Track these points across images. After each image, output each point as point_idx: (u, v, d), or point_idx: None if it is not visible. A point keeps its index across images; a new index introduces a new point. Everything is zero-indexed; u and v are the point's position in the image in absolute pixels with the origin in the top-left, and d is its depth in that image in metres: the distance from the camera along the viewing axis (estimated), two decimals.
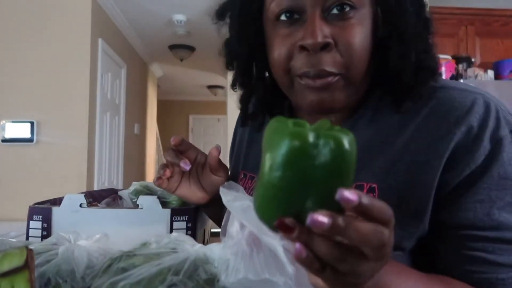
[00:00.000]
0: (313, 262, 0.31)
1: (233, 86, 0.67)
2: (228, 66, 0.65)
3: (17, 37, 2.92)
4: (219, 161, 0.69)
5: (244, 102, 0.68)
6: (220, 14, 0.63)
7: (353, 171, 0.32)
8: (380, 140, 0.56)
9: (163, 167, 0.65)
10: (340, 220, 0.29)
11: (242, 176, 0.73)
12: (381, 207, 0.31)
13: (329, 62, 0.51)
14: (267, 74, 0.65)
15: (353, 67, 0.52)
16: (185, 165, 0.64)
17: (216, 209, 0.73)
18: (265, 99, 0.66)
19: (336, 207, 0.30)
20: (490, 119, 0.49)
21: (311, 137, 0.31)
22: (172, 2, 3.50)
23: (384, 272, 0.37)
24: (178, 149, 0.66)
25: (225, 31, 0.64)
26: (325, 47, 0.51)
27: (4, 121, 2.85)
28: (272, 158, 0.31)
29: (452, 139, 0.49)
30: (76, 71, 2.96)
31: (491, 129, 0.49)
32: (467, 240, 0.49)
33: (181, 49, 4.63)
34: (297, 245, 0.31)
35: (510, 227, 0.48)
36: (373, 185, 0.53)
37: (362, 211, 0.30)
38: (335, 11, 0.51)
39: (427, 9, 0.55)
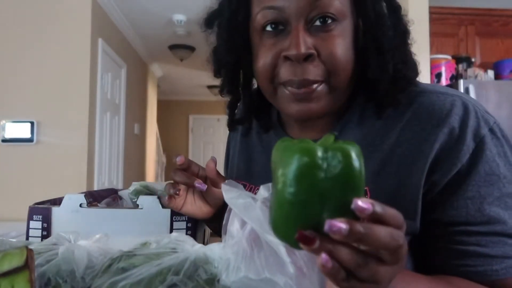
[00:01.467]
0: (339, 271, 0.32)
1: (221, 92, 0.69)
2: (216, 73, 0.67)
3: (17, 37, 2.92)
4: (218, 172, 0.69)
5: (231, 108, 0.70)
6: (208, 22, 0.65)
7: (363, 180, 0.33)
8: (368, 144, 0.58)
9: (173, 186, 0.65)
10: (358, 225, 0.30)
11: None
12: (394, 213, 0.32)
13: (313, 71, 0.54)
14: (254, 82, 0.67)
15: (335, 75, 0.54)
16: (201, 186, 0.65)
17: (221, 223, 0.73)
18: (251, 105, 0.68)
19: (351, 217, 0.31)
20: (470, 119, 0.52)
21: (319, 151, 0.32)
22: (172, 2, 3.50)
23: (395, 282, 0.39)
24: (181, 168, 0.66)
25: (213, 39, 0.66)
26: (308, 57, 0.53)
27: (4, 121, 2.85)
28: (284, 175, 0.32)
29: (435, 140, 0.52)
30: (76, 71, 2.96)
31: (473, 128, 0.52)
32: (461, 235, 0.52)
33: (181, 49, 4.63)
34: (323, 255, 0.31)
35: (500, 220, 0.50)
36: (365, 188, 0.55)
37: (376, 219, 0.31)
38: (317, 23, 0.54)
39: (405, 21, 0.58)
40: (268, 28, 0.56)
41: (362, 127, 0.60)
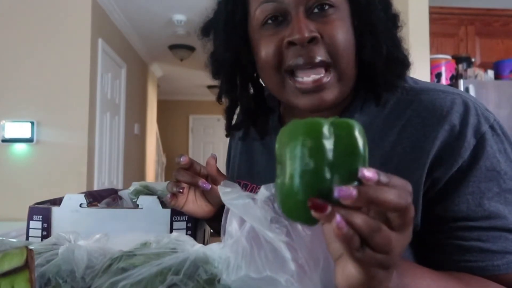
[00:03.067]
0: (353, 238, 0.32)
1: (219, 98, 0.69)
2: (214, 75, 0.68)
3: (17, 37, 2.92)
4: (218, 170, 0.69)
5: (228, 112, 0.70)
6: (205, 30, 0.67)
7: (367, 150, 0.35)
8: (368, 141, 0.57)
9: (176, 185, 0.65)
10: (365, 188, 0.32)
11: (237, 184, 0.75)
12: (400, 180, 0.34)
13: (318, 52, 0.55)
14: (251, 87, 0.68)
15: (340, 57, 0.55)
16: (205, 185, 0.65)
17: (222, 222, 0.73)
18: (249, 109, 0.69)
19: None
20: (470, 116, 0.53)
21: (326, 125, 0.34)
22: (172, 2, 3.50)
23: (403, 273, 0.40)
24: (184, 167, 0.66)
25: (209, 47, 0.67)
26: (312, 40, 0.54)
27: (4, 121, 2.85)
28: (294, 148, 0.34)
29: (436, 137, 0.53)
30: (76, 71, 2.96)
31: (473, 125, 0.52)
32: (462, 231, 0.52)
33: (181, 49, 4.63)
34: (338, 218, 0.32)
35: (500, 215, 0.51)
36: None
37: (382, 186, 0.33)
38: (316, 10, 0.56)
39: (394, 7, 0.61)
40: (268, 21, 0.57)
41: (363, 123, 0.60)
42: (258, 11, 0.58)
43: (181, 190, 0.64)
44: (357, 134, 0.34)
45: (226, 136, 0.77)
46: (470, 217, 0.51)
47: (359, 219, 0.32)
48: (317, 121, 0.34)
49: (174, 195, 0.65)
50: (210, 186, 0.66)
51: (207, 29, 0.67)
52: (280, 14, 0.57)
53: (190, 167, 0.67)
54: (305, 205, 0.33)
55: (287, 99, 0.60)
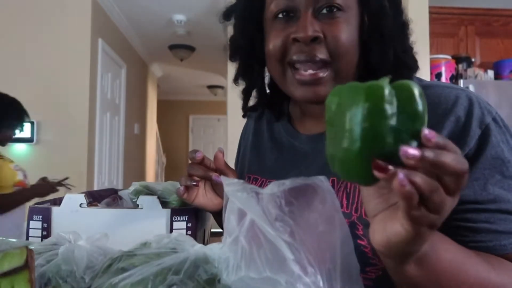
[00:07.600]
0: (414, 195, 0.33)
1: (236, 80, 0.74)
2: (232, 57, 0.73)
3: (17, 37, 2.92)
4: (226, 164, 0.71)
5: (245, 94, 0.75)
6: (226, 15, 0.73)
7: (426, 114, 0.36)
8: None
9: (190, 179, 0.67)
10: (429, 150, 0.33)
11: (246, 179, 0.77)
12: (455, 147, 0.35)
13: (319, 51, 0.59)
14: (266, 72, 0.73)
15: (340, 58, 0.59)
16: (218, 179, 0.66)
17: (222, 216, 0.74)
18: (264, 93, 0.74)
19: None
20: (474, 109, 0.56)
21: (387, 88, 0.35)
22: (172, 2, 3.50)
23: (436, 240, 0.42)
24: (195, 162, 0.68)
25: (230, 30, 0.73)
26: (314, 39, 0.59)
27: None
28: (354, 114, 0.35)
29: (442, 128, 0.56)
30: (76, 71, 2.96)
31: (478, 117, 0.56)
32: (471, 213, 0.54)
33: (181, 49, 4.64)
34: (400, 175, 0.33)
35: (505, 199, 0.54)
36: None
37: (441, 148, 0.34)
38: (324, 11, 0.60)
39: (405, 14, 0.64)
40: (280, 15, 0.62)
41: None
42: (273, 4, 0.62)
43: (195, 183, 0.66)
44: (417, 97, 0.35)
45: (243, 116, 0.81)
46: (477, 200, 0.54)
47: (420, 178, 0.33)
48: (379, 85, 0.35)
49: (186, 187, 0.67)
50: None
51: (228, 13, 0.72)
52: (291, 11, 0.61)
53: (202, 161, 0.69)
54: (364, 166, 0.35)
55: (286, 89, 0.65)
